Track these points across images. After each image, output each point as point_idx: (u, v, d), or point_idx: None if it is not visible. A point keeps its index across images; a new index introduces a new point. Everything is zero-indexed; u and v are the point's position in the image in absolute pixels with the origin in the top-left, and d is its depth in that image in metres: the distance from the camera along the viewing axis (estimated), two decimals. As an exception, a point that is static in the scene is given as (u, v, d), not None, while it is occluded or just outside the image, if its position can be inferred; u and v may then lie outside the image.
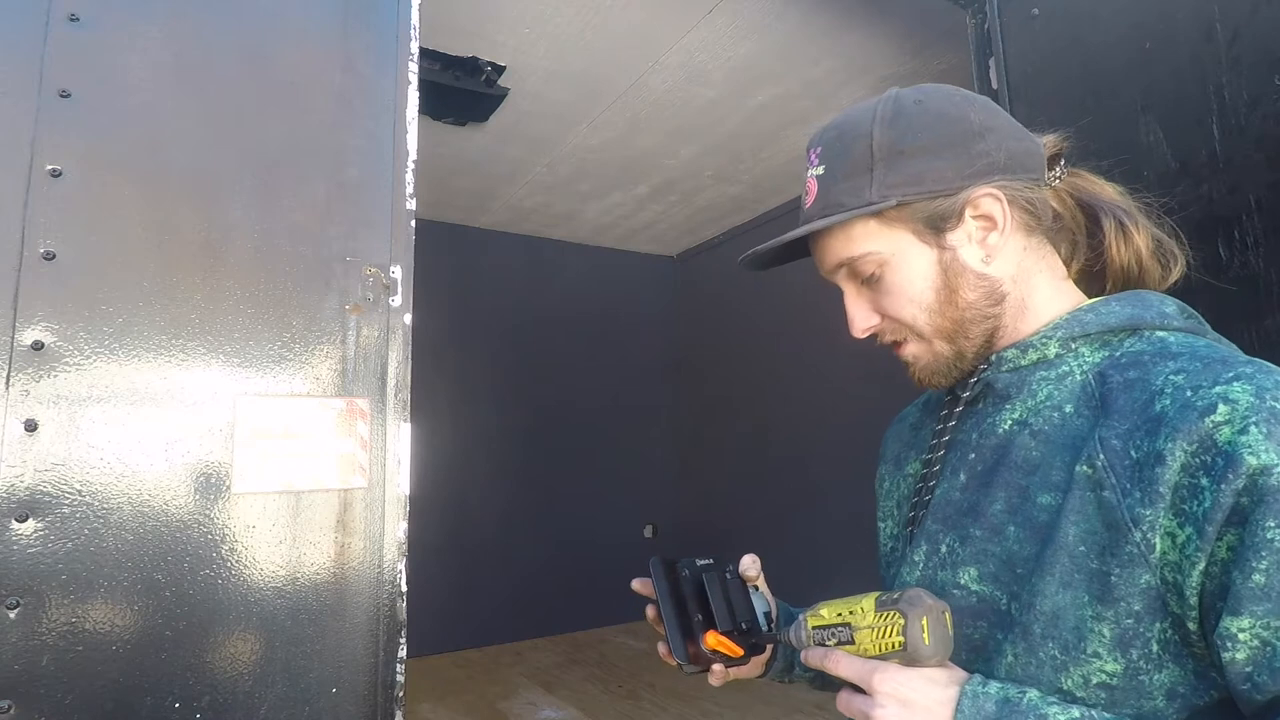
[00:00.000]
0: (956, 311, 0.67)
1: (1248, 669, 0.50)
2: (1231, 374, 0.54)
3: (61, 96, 0.94)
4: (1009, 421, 0.66)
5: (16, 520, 0.85)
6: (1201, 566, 0.52)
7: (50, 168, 0.92)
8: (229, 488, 0.96)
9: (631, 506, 5.31)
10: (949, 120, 0.67)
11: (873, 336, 0.73)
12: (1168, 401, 0.55)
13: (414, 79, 1.18)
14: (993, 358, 0.69)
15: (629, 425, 5.31)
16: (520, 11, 2.56)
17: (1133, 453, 0.55)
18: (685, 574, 0.82)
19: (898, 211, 0.66)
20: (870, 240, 0.67)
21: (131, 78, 0.99)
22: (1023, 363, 0.67)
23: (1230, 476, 0.50)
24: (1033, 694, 0.56)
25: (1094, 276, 0.73)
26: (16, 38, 0.93)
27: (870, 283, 0.70)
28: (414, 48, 1.19)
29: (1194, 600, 0.53)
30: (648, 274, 5.61)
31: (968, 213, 0.66)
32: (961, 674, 0.59)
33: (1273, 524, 0.49)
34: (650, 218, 4.83)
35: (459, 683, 3.83)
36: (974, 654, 0.63)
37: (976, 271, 0.67)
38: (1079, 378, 0.64)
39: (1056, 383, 0.65)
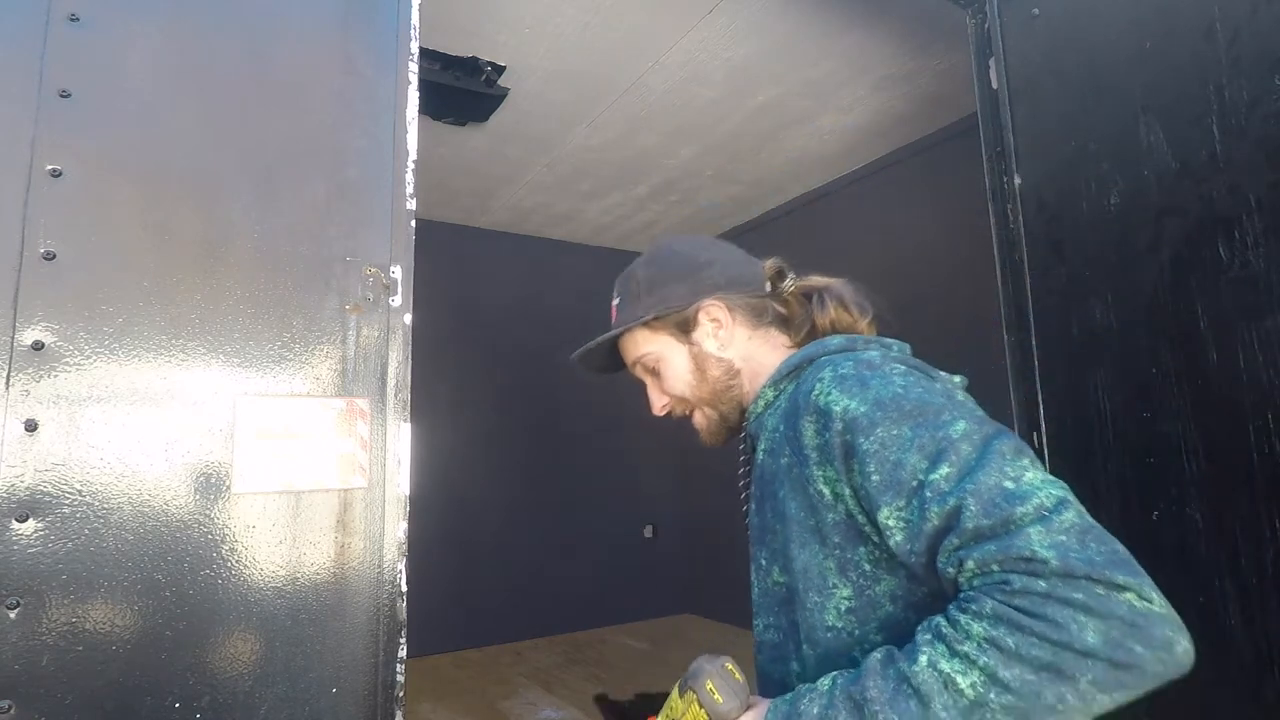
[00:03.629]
0: (708, 385, 0.98)
1: (907, 545, 0.71)
2: (829, 365, 0.82)
3: (61, 96, 0.94)
4: (761, 454, 0.91)
5: (16, 520, 0.85)
6: (849, 491, 0.75)
7: (50, 168, 0.92)
8: (229, 488, 0.96)
9: (631, 506, 5.31)
10: (683, 258, 1.00)
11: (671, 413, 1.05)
12: (801, 395, 0.82)
13: (414, 79, 1.18)
14: (748, 409, 0.97)
15: (629, 425, 5.31)
16: (520, 11, 2.56)
17: (794, 434, 0.82)
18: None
19: (659, 322, 0.98)
20: (646, 344, 1.00)
21: (131, 78, 0.99)
22: (758, 410, 0.94)
23: (830, 423, 0.77)
24: (802, 688, 0.73)
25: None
26: (16, 38, 0.93)
27: (655, 374, 1.01)
28: (414, 48, 1.19)
29: (863, 518, 0.76)
30: (648, 274, 5.61)
31: (701, 317, 0.97)
32: (764, 707, 0.75)
33: (863, 440, 0.73)
34: (650, 218, 4.83)
35: (459, 683, 3.83)
36: (794, 627, 0.83)
37: (715, 356, 0.97)
38: (784, 404, 0.89)
39: (775, 413, 0.90)
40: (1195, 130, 1.41)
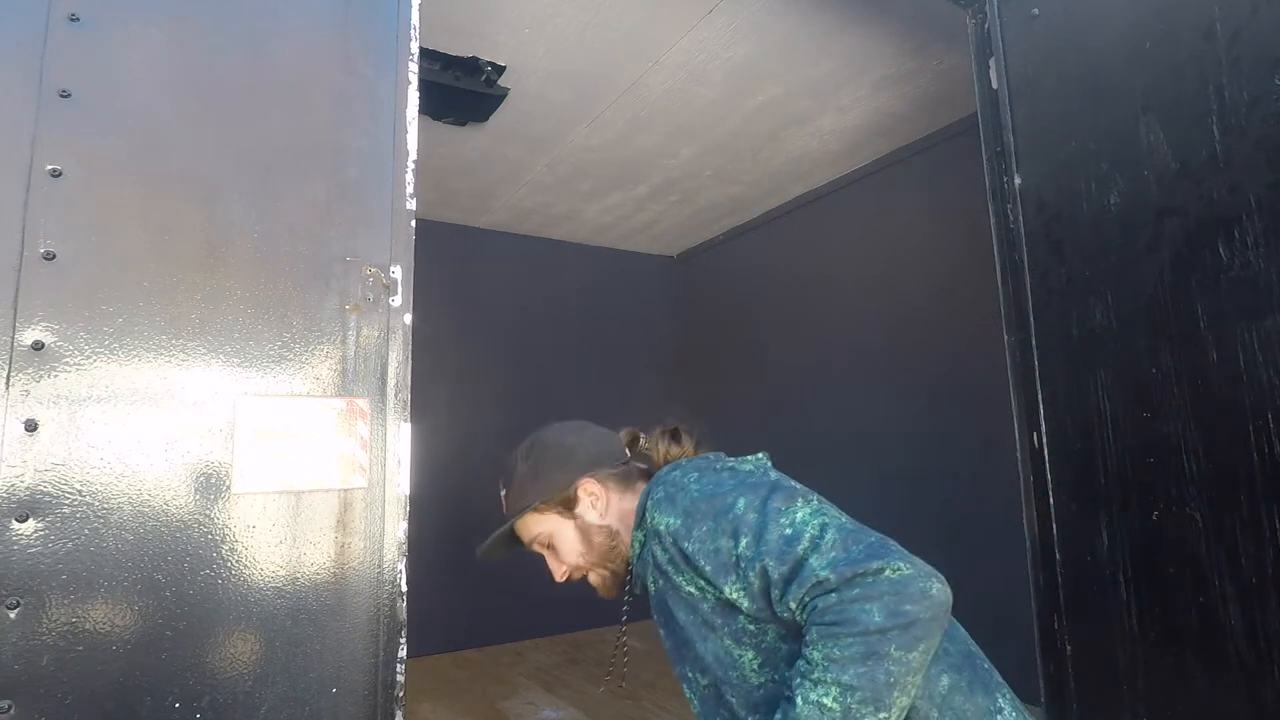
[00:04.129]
0: (595, 550, 1.14)
1: (753, 606, 0.92)
2: (651, 496, 1.05)
3: (61, 96, 0.94)
4: (651, 587, 1.09)
5: (16, 520, 0.85)
6: (704, 582, 0.95)
7: (50, 168, 0.92)
8: (229, 488, 0.96)
9: (631, 506, 5.30)
10: (554, 448, 1.17)
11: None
12: (657, 538, 1.02)
13: (414, 79, 1.18)
14: (630, 563, 1.13)
15: (629, 425, 5.30)
16: (520, 11, 2.56)
17: (654, 560, 1.03)
18: None
19: (544, 505, 1.14)
20: (537, 525, 1.15)
21: (131, 78, 0.99)
22: (635, 555, 1.10)
23: (664, 540, 0.99)
24: None
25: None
26: (16, 38, 0.93)
27: (550, 549, 1.16)
28: (414, 48, 1.19)
29: (722, 595, 0.94)
30: (648, 274, 5.61)
31: (580, 494, 1.14)
32: None
33: (687, 544, 0.95)
34: (650, 218, 4.83)
35: (459, 683, 3.83)
36: (732, 709, 0.99)
37: (597, 525, 1.14)
38: (648, 549, 1.06)
39: (648, 562, 1.06)
40: (1195, 130, 1.41)
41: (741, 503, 0.92)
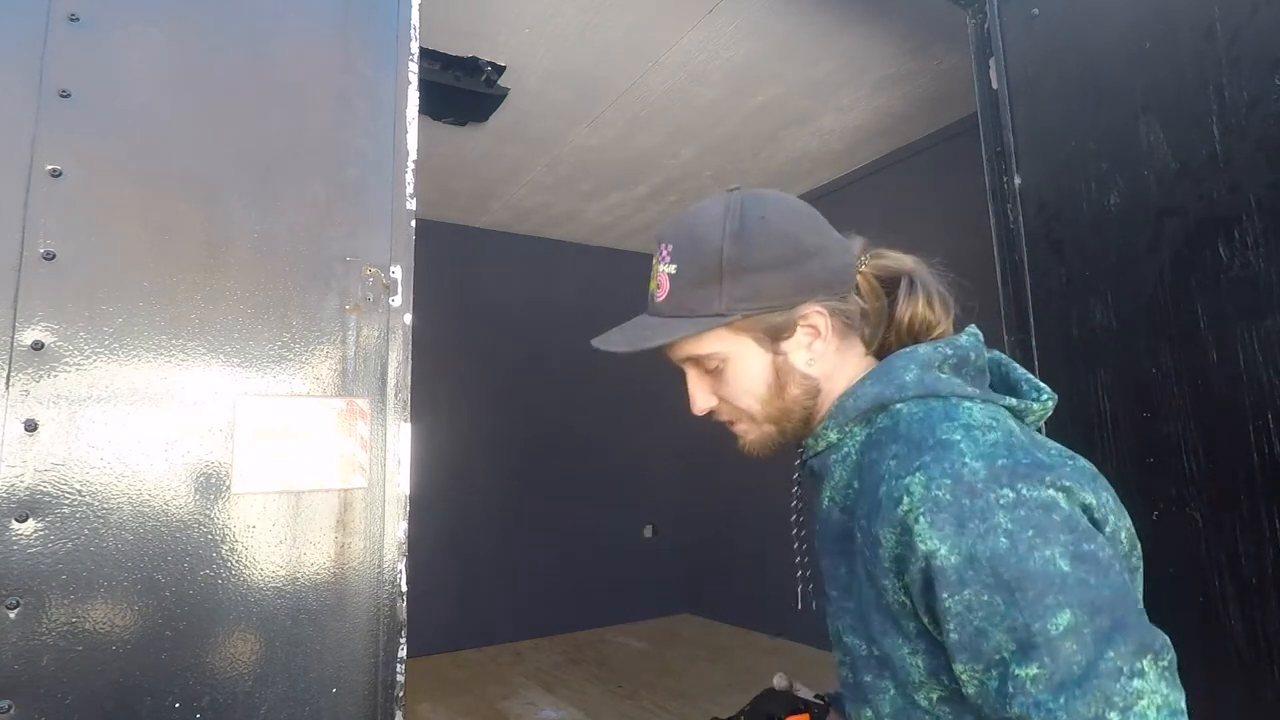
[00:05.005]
0: (784, 403, 0.80)
1: (978, 701, 0.62)
2: (917, 463, 0.66)
3: (61, 96, 0.94)
4: (826, 500, 0.80)
5: (16, 520, 0.85)
6: (925, 619, 0.65)
7: (50, 168, 0.92)
8: (229, 488, 0.96)
9: (631, 506, 5.31)
10: (786, 241, 0.77)
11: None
12: (884, 489, 0.67)
13: (414, 79, 1.18)
14: (806, 441, 0.82)
15: (629, 425, 5.31)
16: (520, 11, 2.56)
17: (873, 531, 0.68)
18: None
19: (742, 321, 0.77)
20: (717, 343, 0.79)
21: (131, 78, 0.99)
22: (819, 449, 0.80)
23: (914, 557, 0.63)
24: None
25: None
26: (16, 38, 0.93)
27: (712, 372, 0.81)
28: (414, 48, 1.19)
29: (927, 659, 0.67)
30: (648, 274, 5.60)
31: (799, 324, 0.78)
32: None
33: (945, 595, 0.61)
34: (650, 218, 4.83)
35: (459, 683, 3.83)
36: (859, 697, 0.75)
37: (802, 372, 0.79)
38: (855, 457, 0.77)
39: (843, 463, 0.78)
40: (1195, 130, 1.41)
41: (1065, 619, 0.58)
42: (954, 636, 0.61)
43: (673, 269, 0.79)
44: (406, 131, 1.16)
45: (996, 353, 0.84)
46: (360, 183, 1.12)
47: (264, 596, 0.97)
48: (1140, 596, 0.70)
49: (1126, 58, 1.54)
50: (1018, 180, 1.76)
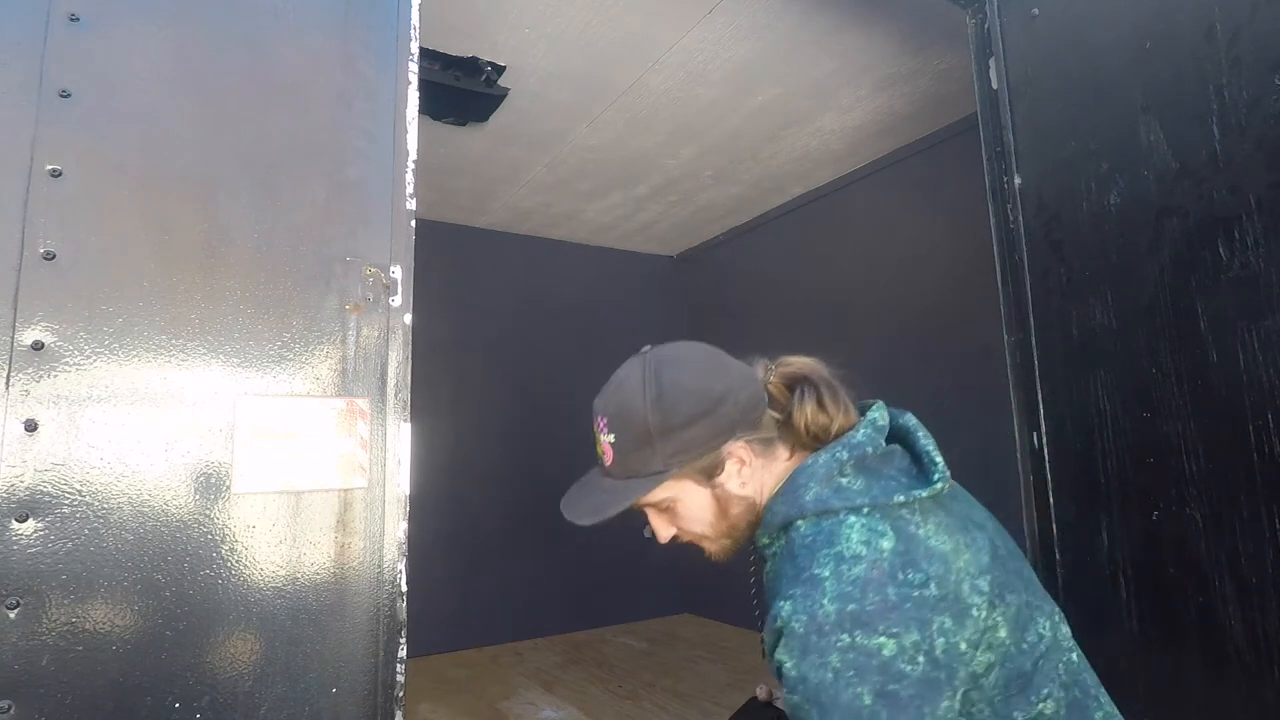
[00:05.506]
0: (729, 522, 0.94)
1: None
2: (790, 591, 0.81)
3: (61, 96, 0.94)
4: (765, 577, 0.94)
5: (16, 520, 0.85)
6: None
7: (50, 168, 0.92)
8: (229, 488, 0.96)
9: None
10: (699, 396, 0.89)
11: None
12: (772, 604, 0.83)
13: (414, 79, 1.18)
14: (755, 541, 0.96)
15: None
16: (520, 11, 2.56)
17: (763, 635, 0.85)
18: None
19: (679, 471, 0.90)
20: (664, 492, 0.92)
21: (131, 78, 0.99)
22: (759, 545, 0.94)
23: (774, 659, 0.81)
24: None
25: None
26: (16, 38, 0.93)
27: (666, 511, 0.95)
28: (414, 48, 1.19)
29: None
30: (648, 274, 5.61)
31: (726, 461, 0.91)
32: None
33: (787, 692, 0.79)
34: (650, 218, 4.83)
35: (459, 683, 3.83)
36: None
37: (738, 495, 0.92)
38: (777, 554, 0.90)
39: (773, 558, 0.92)
40: (1195, 130, 1.41)
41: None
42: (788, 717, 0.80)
43: (612, 438, 0.92)
44: (406, 131, 1.16)
45: (908, 419, 0.96)
46: (360, 183, 1.12)
47: (264, 596, 0.97)
48: (995, 645, 0.84)
49: (1126, 58, 1.54)
50: (1018, 180, 1.76)
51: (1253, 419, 1.30)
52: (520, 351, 4.94)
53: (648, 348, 0.97)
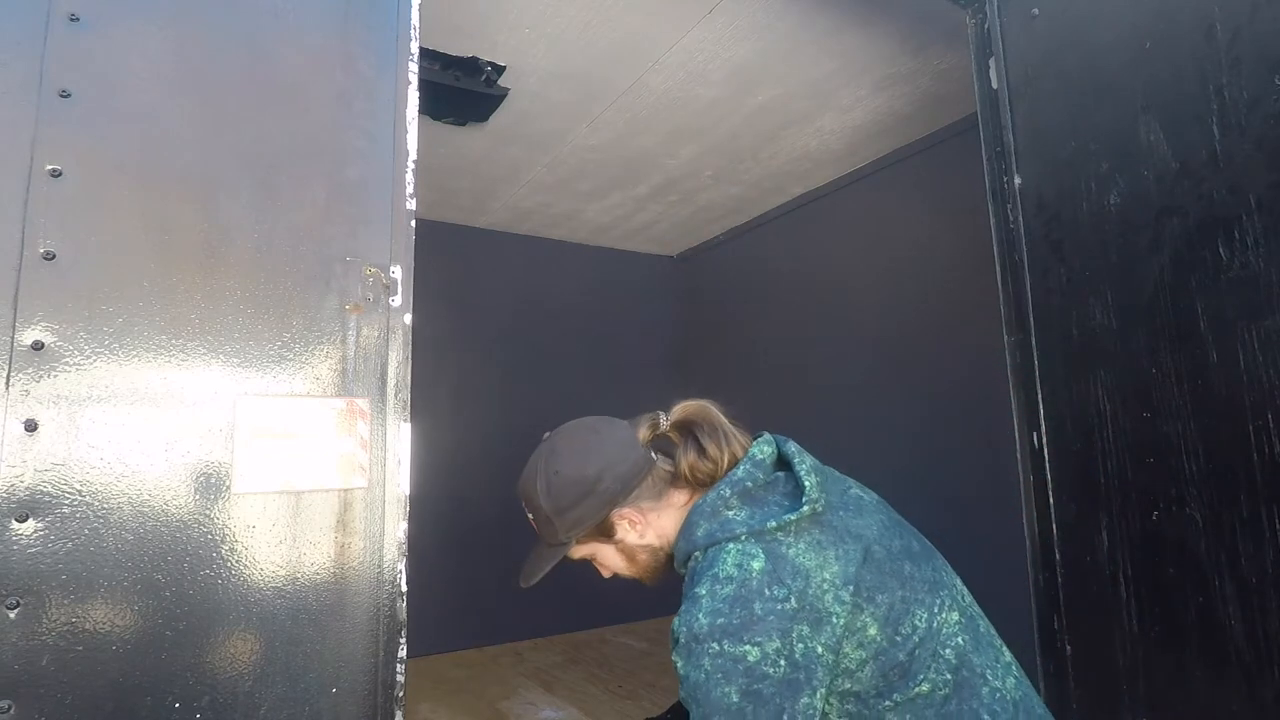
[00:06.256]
0: (639, 566, 1.18)
1: None
2: (681, 608, 0.98)
3: (61, 96, 0.94)
4: None
5: (16, 520, 0.85)
6: None
7: (50, 168, 0.92)
8: (229, 488, 0.96)
9: (631, 506, 5.30)
10: (577, 483, 1.11)
11: None
12: (672, 625, 0.99)
13: (414, 79, 1.18)
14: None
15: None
16: (520, 11, 2.56)
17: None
18: None
19: (582, 537, 1.15)
20: (580, 550, 1.20)
21: (131, 78, 0.99)
22: (680, 573, 1.10)
23: (675, 669, 0.97)
24: None
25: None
26: (16, 38, 0.93)
27: (595, 561, 1.22)
28: (414, 48, 1.19)
29: None
30: (648, 274, 5.60)
31: (616, 522, 1.13)
32: None
33: (681, 690, 0.95)
34: (650, 218, 4.83)
35: (459, 683, 3.83)
36: None
37: (639, 545, 1.15)
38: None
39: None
40: (1195, 130, 1.41)
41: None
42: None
43: (531, 516, 1.19)
44: (406, 131, 1.16)
45: (789, 447, 1.10)
46: (360, 183, 1.12)
47: (264, 596, 0.97)
48: (865, 644, 0.96)
49: (1126, 58, 1.54)
50: (1018, 180, 1.76)
51: (1253, 419, 1.30)
52: (520, 351, 4.94)
53: (547, 434, 1.22)
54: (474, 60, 2.84)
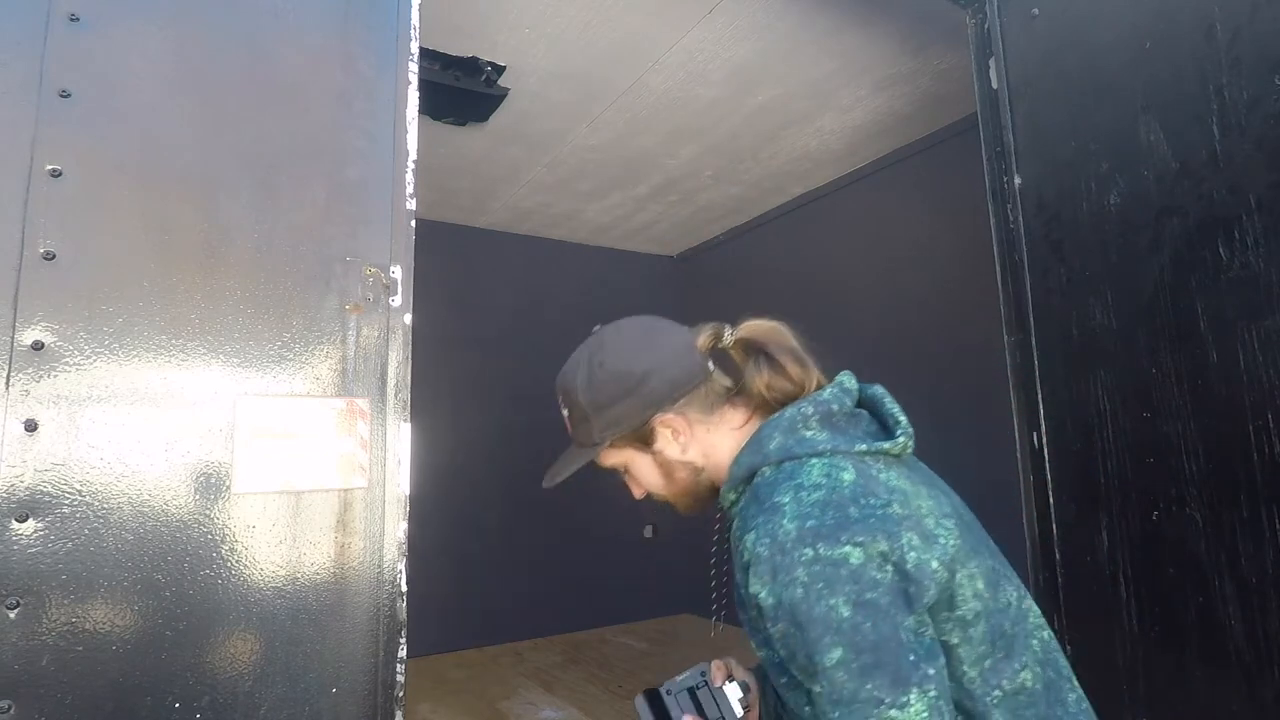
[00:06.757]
0: (677, 484, 1.01)
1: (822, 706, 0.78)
2: (753, 524, 0.82)
3: (61, 96, 0.94)
4: (731, 536, 0.92)
5: (16, 520, 0.85)
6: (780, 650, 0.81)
7: (50, 168, 0.92)
8: (229, 488, 0.96)
9: (631, 506, 5.28)
10: (620, 378, 0.96)
11: None
12: (739, 543, 0.84)
13: (414, 79, 1.18)
14: (720, 500, 0.99)
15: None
16: (520, 11, 2.56)
17: (736, 575, 0.86)
18: (669, 697, 1.01)
19: (617, 440, 0.99)
20: (612, 457, 1.02)
21: (131, 78, 0.99)
22: (726, 505, 0.96)
23: (750, 595, 0.80)
24: None
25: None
26: (16, 38, 0.93)
27: (626, 474, 1.04)
28: (414, 48, 1.19)
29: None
30: (648, 274, 5.61)
31: (658, 429, 0.97)
32: None
33: (769, 625, 0.79)
34: (650, 218, 4.83)
35: (459, 683, 3.83)
36: (777, 698, 0.90)
37: (679, 460, 0.99)
38: (741, 507, 0.91)
39: (739, 513, 0.91)
40: (1195, 130, 1.41)
41: (835, 656, 0.74)
42: (781, 654, 0.80)
43: (565, 413, 1.03)
44: (406, 131, 1.16)
45: (876, 389, 0.98)
46: (360, 183, 1.12)
47: (264, 596, 0.97)
48: (973, 601, 0.83)
49: (1126, 58, 1.54)
50: (1018, 180, 1.76)
51: (1253, 419, 1.30)
52: (520, 351, 4.94)
53: (598, 327, 1.06)
54: (474, 60, 2.84)
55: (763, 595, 0.78)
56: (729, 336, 1.00)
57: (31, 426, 0.87)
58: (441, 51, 2.78)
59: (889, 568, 0.77)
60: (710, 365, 0.99)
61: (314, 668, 0.98)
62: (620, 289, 5.43)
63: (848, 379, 0.97)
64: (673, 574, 5.35)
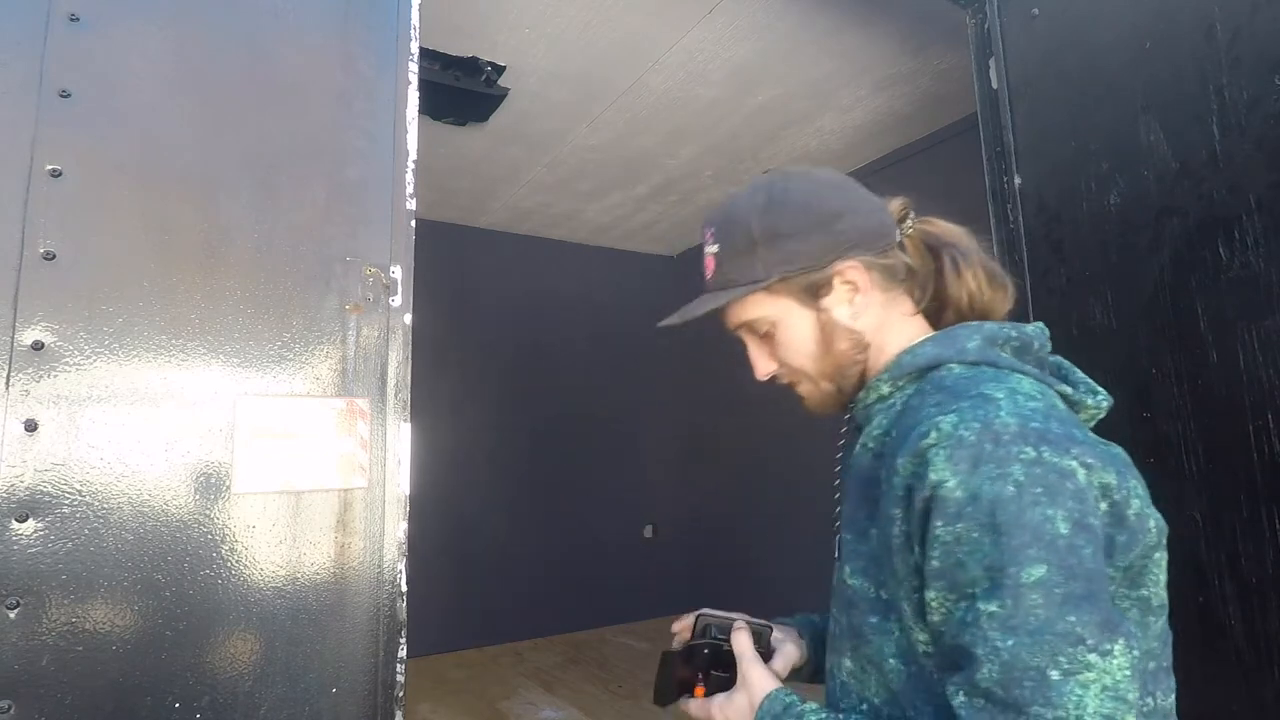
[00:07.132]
0: (834, 359, 0.83)
1: (941, 628, 0.65)
2: (954, 405, 0.68)
3: (61, 96, 0.94)
4: (859, 447, 0.80)
5: (16, 520, 0.85)
6: (918, 549, 0.66)
7: (50, 168, 0.92)
8: (229, 488, 0.96)
9: (631, 506, 5.31)
10: (810, 207, 0.81)
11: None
12: (917, 428, 0.69)
13: (414, 79, 1.18)
14: (858, 395, 0.84)
15: (629, 425, 5.31)
16: (520, 11, 2.56)
17: (894, 462, 0.69)
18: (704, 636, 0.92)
19: (780, 284, 0.81)
20: (761, 307, 0.83)
21: (131, 78, 0.99)
22: (869, 401, 0.82)
23: (923, 486, 0.65)
24: (811, 706, 0.74)
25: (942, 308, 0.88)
26: (16, 38, 0.93)
27: (766, 338, 0.86)
28: (414, 48, 1.19)
29: (905, 580, 0.69)
30: (648, 274, 5.60)
31: (836, 281, 0.81)
32: (771, 687, 0.79)
33: (939, 524, 0.64)
34: (650, 218, 4.83)
35: (459, 683, 3.83)
36: (854, 637, 0.76)
37: (847, 327, 0.82)
38: (899, 408, 0.78)
39: (887, 412, 0.79)
40: (1195, 130, 1.41)
41: (1038, 573, 0.60)
42: (935, 564, 0.64)
43: (715, 248, 0.86)
44: (406, 131, 1.16)
45: (1059, 357, 0.86)
46: (360, 183, 1.12)
47: (264, 596, 0.97)
48: (1160, 589, 0.73)
49: (1126, 58, 1.54)
50: (1018, 180, 1.76)
51: (1253, 419, 1.30)
52: (520, 351, 4.94)
53: (769, 171, 0.89)
54: (474, 60, 2.84)
55: (950, 484, 0.63)
56: (912, 222, 0.87)
57: (31, 426, 0.87)
58: (441, 51, 2.78)
59: (1105, 504, 0.66)
60: (899, 234, 0.84)
61: (314, 668, 0.98)
62: (620, 289, 5.42)
63: (1045, 328, 0.84)
64: (673, 574, 5.35)
